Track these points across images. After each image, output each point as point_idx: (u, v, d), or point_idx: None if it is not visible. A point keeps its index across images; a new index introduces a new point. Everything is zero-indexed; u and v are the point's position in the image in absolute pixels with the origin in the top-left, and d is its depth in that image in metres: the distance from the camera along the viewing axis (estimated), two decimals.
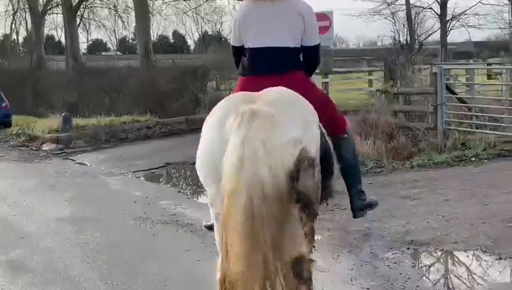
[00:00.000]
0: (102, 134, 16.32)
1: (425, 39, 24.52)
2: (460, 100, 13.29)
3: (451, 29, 27.96)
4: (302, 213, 3.27)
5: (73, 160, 13.32)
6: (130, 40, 50.93)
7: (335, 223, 6.63)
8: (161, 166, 12.08)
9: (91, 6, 35.34)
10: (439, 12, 25.51)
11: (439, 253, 5.79)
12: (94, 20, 40.75)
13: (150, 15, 27.97)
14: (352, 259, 5.68)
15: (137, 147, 14.94)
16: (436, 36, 28.59)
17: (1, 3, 46.11)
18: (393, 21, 25.72)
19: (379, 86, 14.24)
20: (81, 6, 31.44)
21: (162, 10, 34.47)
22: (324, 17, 18.70)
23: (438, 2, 26.53)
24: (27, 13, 35.38)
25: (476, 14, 28.21)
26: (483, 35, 63.99)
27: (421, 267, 5.52)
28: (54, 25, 45.97)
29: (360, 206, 4.47)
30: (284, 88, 3.67)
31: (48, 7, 33.46)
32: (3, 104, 19.80)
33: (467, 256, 5.61)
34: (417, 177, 9.26)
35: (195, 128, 17.60)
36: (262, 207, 3.03)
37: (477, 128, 12.12)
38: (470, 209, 7.15)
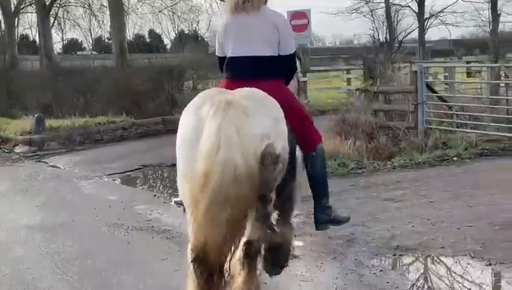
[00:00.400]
0: (77, 135, 15.92)
1: (405, 37, 24.52)
2: (441, 99, 13.16)
3: (429, 27, 28.03)
4: (259, 202, 3.58)
5: (46, 163, 12.92)
6: (106, 40, 50.23)
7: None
8: (137, 168, 11.75)
9: (65, 5, 34.64)
10: (417, 10, 25.43)
11: (426, 259, 5.57)
12: (69, 20, 40.11)
13: (125, 13, 27.55)
14: (337, 267, 5.44)
15: (112, 149, 14.58)
16: (414, 34, 28.67)
17: None
18: (373, 19, 25.67)
19: (358, 85, 14.03)
20: (55, 5, 30.82)
21: (138, 9, 33.98)
22: (302, 15, 18.53)
23: (416, 0, 26.51)
24: None
25: (453, 12, 28.31)
26: (458, 33, 64.54)
27: (409, 275, 5.27)
28: (29, 24, 45.23)
29: (322, 220, 4.51)
30: (254, 88, 3.96)
31: (21, 6, 32.80)
32: None
33: (456, 262, 5.41)
34: (399, 178, 9.08)
35: (172, 129, 17.36)
36: (231, 187, 3.33)
37: (457, 127, 12.00)
38: (455, 211, 6.97)
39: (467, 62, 20.25)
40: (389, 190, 8.27)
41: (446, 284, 5.04)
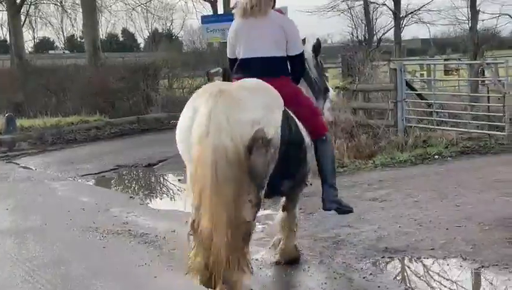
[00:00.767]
0: (49, 135, 15.51)
1: (383, 35, 24.48)
2: (420, 97, 13.03)
3: (405, 25, 27.98)
4: (250, 183, 3.91)
5: (17, 164, 12.53)
6: (78, 38, 49.46)
7: (302, 230, 6.08)
8: (111, 169, 11.40)
9: (36, 3, 34.02)
10: (393, 9, 25.35)
11: (417, 262, 5.34)
12: (40, 18, 39.43)
13: (98, 11, 27.05)
14: (324, 271, 5.18)
15: (86, 149, 14.18)
16: (388, 34, 28.59)
17: None
18: (351, 15, 25.50)
19: (337, 83, 13.82)
20: (26, 3, 30.17)
21: (111, 6, 33.43)
22: (279, 12, 18.29)
23: None
24: None
25: (429, 10, 28.32)
26: (431, 33, 64.93)
27: (400, 279, 5.03)
28: None
29: (329, 199, 4.86)
30: (255, 79, 4.35)
31: None
32: None
33: (447, 265, 5.19)
34: (382, 177, 8.89)
35: (147, 128, 17.25)
36: (225, 169, 3.71)
37: (437, 125, 11.88)
38: (442, 211, 6.78)
39: (445, 60, 20.22)
40: (373, 189, 8.07)
41: (440, 289, 4.82)
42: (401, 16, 26.15)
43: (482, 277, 4.94)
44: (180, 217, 7.44)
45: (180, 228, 6.80)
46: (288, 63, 4.82)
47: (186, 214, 7.45)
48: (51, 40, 52.52)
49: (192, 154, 3.81)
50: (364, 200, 7.46)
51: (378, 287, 4.75)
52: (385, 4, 26.18)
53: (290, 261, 5.28)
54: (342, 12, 26.68)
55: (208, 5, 24.61)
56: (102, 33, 40.85)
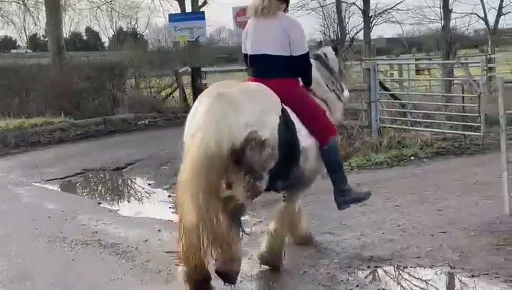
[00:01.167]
0: (11, 138, 14.91)
1: (356, 34, 24.37)
2: (394, 97, 12.89)
3: (375, 24, 27.96)
4: (246, 175, 4.38)
5: None
6: (42, 37, 48.44)
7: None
8: (78, 173, 10.96)
9: None
10: (362, 8, 25.27)
11: (404, 271, 5.11)
12: (1, 16, 38.36)
13: (62, 9, 26.37)
14: (308, 283, 4.91)
15: (50, 152, 13.65)
16: (358, 33, 28.50)
17: None
18: (323, 14, 25.32)
19: None
20: None
21: (75, 4, 32.64)
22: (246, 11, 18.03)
23: None
24: None
25: (398, 9, 28.36)
26: (395, 32, 65.58)
27: None
28: None
29: (341, 202, 5.35)
30: (258, 83, 4.85)
31: None
32: None
33: (436, 274, 4.98)
34: (359, 179, 8.66)
35: (114, 129, 16.78)
36: (204, 162, 4.20)
37: (411, 126, 11.75)
38: (424, 216, 6.59)
39: (416, 60, 20.17)
40: None
41: None
42: (370, 15, 26.11)
43: (472, 287, 4.73)
44: (151, 224, 7.15)
45: (152, 236, 6.51)
46: (292, 62, 5.07)
47: (157, 222, 7.22)
48: (13, 39, 51.42)
49: (186, 146, 4.39)
50: None
51: None
52: (354, 3, 26.12)
53: (302, 243, 5.77)
54: (313, 11, 26.56)
55: (176, 3, 24.15)
56: (66, 32, 39.93)
